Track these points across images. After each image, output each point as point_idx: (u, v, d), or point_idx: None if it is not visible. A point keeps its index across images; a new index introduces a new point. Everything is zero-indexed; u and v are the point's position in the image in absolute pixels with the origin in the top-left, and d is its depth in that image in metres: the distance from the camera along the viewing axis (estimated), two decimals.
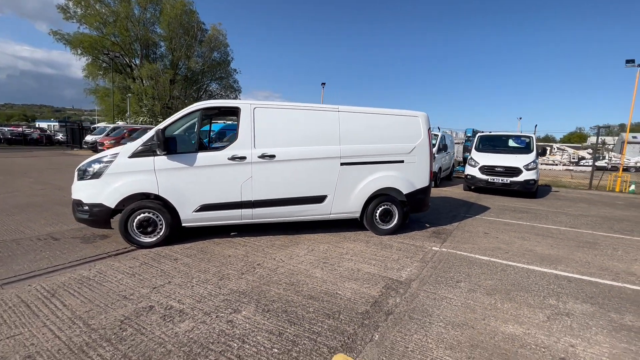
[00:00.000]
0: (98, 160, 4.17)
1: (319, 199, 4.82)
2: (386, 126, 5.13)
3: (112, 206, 4.05)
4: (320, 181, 4.78)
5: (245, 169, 4.43)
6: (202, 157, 4.32)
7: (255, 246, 4.42)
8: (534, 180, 9.39)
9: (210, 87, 35.22)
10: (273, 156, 4.50)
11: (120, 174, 4.10)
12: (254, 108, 4.53)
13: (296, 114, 4.73)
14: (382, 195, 5.12)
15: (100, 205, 4.05)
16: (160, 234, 4.24)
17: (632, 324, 2.76)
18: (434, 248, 4.65)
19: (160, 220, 4.23)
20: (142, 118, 29.28)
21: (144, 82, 29.94)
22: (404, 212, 5.27)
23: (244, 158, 4.40)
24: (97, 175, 4.10)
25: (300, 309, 2.82)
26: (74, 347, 2.21)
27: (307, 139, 4.72)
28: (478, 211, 7.40)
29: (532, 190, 9.56)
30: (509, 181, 9.48)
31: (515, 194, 9.89)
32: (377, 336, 2.46)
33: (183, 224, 4.35)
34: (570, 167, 31.74)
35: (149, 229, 4.20)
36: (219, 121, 24.33)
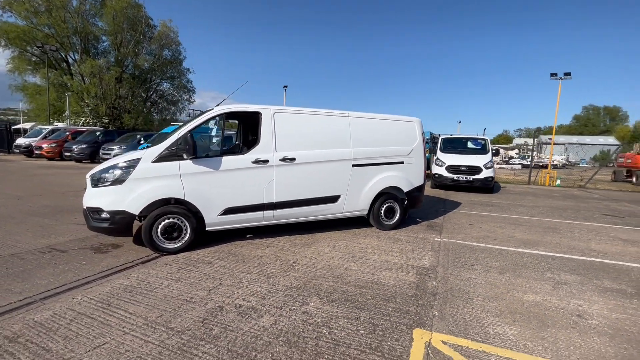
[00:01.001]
0: (117, 166, 4.00)
1: (333, 199, 5.13)
2: (388, 130, 5.63)
3: (137, 212, 3.93)
4: (335, 182, 5.10)
5: (268, 171, 4.58)
6: (227, 160, 4.37)
7: (280, 246, 4.58)
8: (491, 177, 10.71)
9: (162, 86, 33.21)
10: (293, 159, 4.71)
11: (144, 179, 3.99)
12: (274, 113, 4.70)
13: (311, 119, 4.99)
14: (386, 194, 5.58)
15: (123, 212, 3.90)
16: (185, 239, 4.20)
17: (611, 286, 3.54)
18: (436, 239, 5.23)
19: (185, 226, 4.19)
20: (83, 119, 26.53)
21: (84, 79, 27.15)
22: (404, 208, 5.80)
23: (266, 161, 4.54)
24: (119, 181, 3.93)
25: (359, 297, 3.12)
26: (174, 348, 2.26)
27: (321, 142, 5.00)
28: (454, 206, 8.28)
29: (490, 187, 10.88)
30: (471, 179, 10.67)
31: (476, 190, 11.15)
32: (436, 313, 2.86)
33: (207, 228, 4.35)
34: (503, 165, 35.73)
35: (174, 235, 4.14)
36: (174, 124, 23.16)
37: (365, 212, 5.50)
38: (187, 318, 2.65)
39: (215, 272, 3.60)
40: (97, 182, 4.03)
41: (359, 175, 5.27)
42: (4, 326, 2.47)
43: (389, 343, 2.39)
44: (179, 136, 4.15)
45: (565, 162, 45.00)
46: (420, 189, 5.98)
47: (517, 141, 76.40)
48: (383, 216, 5.61)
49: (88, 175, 4.16)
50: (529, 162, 37.27)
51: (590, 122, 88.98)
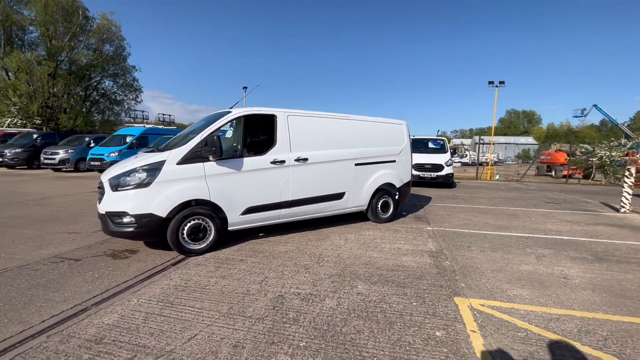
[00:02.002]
0: (140, 169, 3.93)
1: (340, 196, 5.52)
2: (382, 132, 6.18)
3: (164, 215, 3.91)
4: (341, 180, 5.49)
5: (285, 171, 4.81)
6: (248, 161, 4.51)
7: (297, 242, 4.84)
8: (451, 174, 11.98)
9: (103, 84, 30.28)
10: (306, 159, 5.00)
11: (170, 181, 3.98)
12: (287, 115, 4.94)
13: (320, 121, 5.32)
14: (382, 190, 6.12)
15: (150, 215, 3.86)
16: (210, 239, 4.26)
17: (576, 256, 4.47)
18: (427, 228, 5.91)
19: (209, 226, 4.25)
20: (9, 119, 23.18)
21: (9, 74, 23.77)
22: (396, 202, 6.40)
23: (283, 162, 4.78)
24: (144, 184, 3.88)
25: (395, 277, 3.56)
26: (264, 331, 2.47)
27: (329, 143, 5.36)
28: (427, 200, 9.19)
29: (450, 182, 12.15)
30: (435, 175, 11.82)
31: (439, 186, 12.35)
32: (463, 285, 3.42)
33: (229, 228, 4.45)
34: None
35: (200, 236, 4.19)
36: (135, 125, 21.54)
37: (365, 207, 5.97)
38: (257, 307, 2.85)
39: (253, 268, 3.77)
40: (117, 186, 3.92)
41: (361, 174, 5.73)
42: (77, 331, 2.44)
43: (441, 309, 2.87)
44: (202, 138, 4.20)
45: (496, 160, 50.98)
46: (408, 184, 6.64)
47: (455, 141, 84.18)
48: (380, 210, 6.14)
49: (106, 180, 4.00)
50: (467, 161, 41.68)
51: (512, 124, 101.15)
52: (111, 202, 3.90)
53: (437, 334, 2.49)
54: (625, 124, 50.04)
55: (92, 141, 16.29)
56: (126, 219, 3.85)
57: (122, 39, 30.30)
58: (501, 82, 20.98)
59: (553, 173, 22.71)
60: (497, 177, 19.78)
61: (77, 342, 2.31)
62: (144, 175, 3.91)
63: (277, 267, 3.80)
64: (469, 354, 2.24)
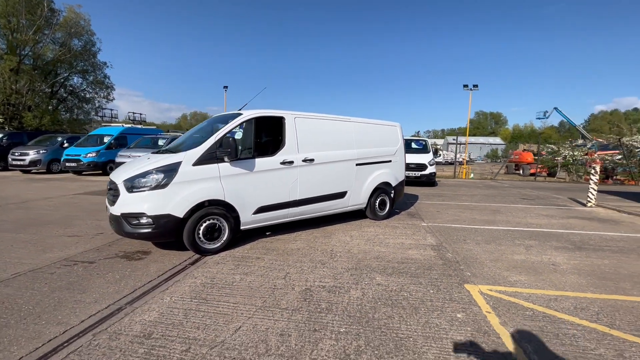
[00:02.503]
0: (157, 170, 3.95)
1: (342, 195, 5.76)
2: (380, 133, 6.49)
3: (181, 216, 3.96)
4: (343, 179, 5.73)
5: (293, 171, 4.98)
6: (259, 162, 4.64)
7: (305, 239, 5.03)
8: (434, 173, 12.58)
9: (72, 81, 28.60)
10: (312, 160, 5.19)
11: (187, 182, 4.04)
12: (295, 118, 5.11)
13: (324, 123, 5.53)
14: (380, 189, 6.43)
15: (168, 216, 3.90)
16: (224, 239, 4.36)
17: (559, 245, 4.98)
18: (422, 224, 6.28)
19: (223, 226, 4.34)
20: None
21: None
22: (392, 200, 6.74)
23: (291, 162, 4.94)
24: (162, 185, 3.91)
25: (407, 269, 3.84)
26: (303, 320, 2.66)
27: (332, 144, 5.58)
28: (415, 198, 9.63)
29: (433, 181, 12.76)
30: (419, 174, 12.36)
31: (422, 184, 12.92)
32: (468, 273, 3.76)
33: (242, 227, 4.56)
34: None
35: (215, 235, 4.27)
36: (112, 124, 20.65)
37: (364, 205, 6.25)
38: (289, 300, 3.02)
39: (272, 265, 3.92)
40: (133, 187, 3.92)
41: (361, 173, 6.00)
42: (122, 329, 2.51)
43: (456, 295, 3.17)
44: (216, 139, 4.29)
45: (468, 159, 53.48)
46: (402, 183, 7.00)
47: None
48: (377, 208, 6.44)
49: (120, 181, 3.99)
50: (440, 160, 43.36)
51: (480, 125, 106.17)
52: (127, 203, 3.90)
53: (459, 315, 2.78)
54: (582, 126, 54.06)
55: (65, 141, 15.52)
56: (144, 220, 3.87)
57: (91, 34, 28.84)
58: (475, 86, 22.16)
59: (521, 171, 24.25)
60: (472, 175, 20.88)
61: (127, 338, 2.38)
62: (160, 176, 3.94)
63: (294, 264, 3.97)
64: (490, 331, 2.54)
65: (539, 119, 59.50)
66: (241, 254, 4.30)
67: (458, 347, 2.33)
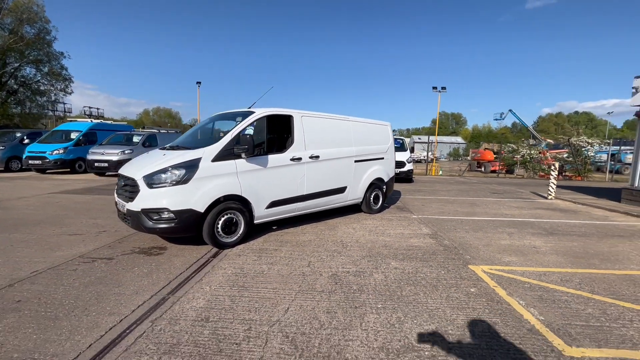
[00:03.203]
0: (178, 166, 4.02)
1: (342, 190, 6.09)
2: (374, 132, 6.89)
3: (202, 210, 4.07)
4: (344, 175, 6.06)
5: (301, 168, 5.22)
6: (272, 158, 4.83)
7: (313, 232, 5.30)
8: (412, 170, 13.33)
9: (23, 72, 26.19)
10: (318, 157, 5.46)
11: (207, 178, 4.14)
12: (302, 116, 5.35)
13: (327, 122, 5.82)
14: (374, 184, 6.85)
15: (189, 210, 3.99)
16: (240, 233, 4.51)
17: (535, 232, 5.68)
18: (413, 216, 6.79)
19: (239, 220, 4.49)
20: None
21: None
22: (384, 195, 7.19)
23: (300, 159, 5.18)
24: (184, 180, 3.99)
25: (414, 255, 4.26)
26: (342, 299, 2.95)
27: (334, 142, 5.88)
28: (398, 194, 10.21)
29: (410, 177, 13.50)
30: (398, 171, 13.01)
31: (400, 181, 13.61)
32: (468, 257, 4.26)
33: (255, 221, 4.73)
34: None
35: (232, 229, 4.41)
36: (79, 119, 19.29)
37: (360, 199, 6.63)
38: (322, 284, 3.29)
39: (292, 255, 4.16)
40: (153, 183, 3.96)
41: (359, 169, 6.37)
42: (177, 315, 2.65)
43: (464, 274, 3.63)
44: (233, 136, 4.42)
45: (432, 157, 56.37)
46: (392, 179, 7.47)
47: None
48: (372, 202, 6.86)
49: (140, 177, 4.01)
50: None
51: (442, 125, 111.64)
52: (148, 199, 3.94)
53: (472, 290, 3.23)
54: (532, 127, 58.85)
55: (25, 137, 14.37)
56: (166, 215, 3.93)
57: (46, 21, 26.67)
58: (443, 88, 23.53)
59: (483, 169, 26.15)
60: (441, 172, 22.22)
61: (187, 322, 2.53)
62: (182, 172, 4.02)
63: (312, 254, 4.24)
64: (501, 301, 3.01)
65: (496, 120, 63.74)
66: (258, 246, 4.48)
67: (480, 314, 2.75)
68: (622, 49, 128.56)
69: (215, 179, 4.22)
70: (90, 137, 14.52)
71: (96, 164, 12.52)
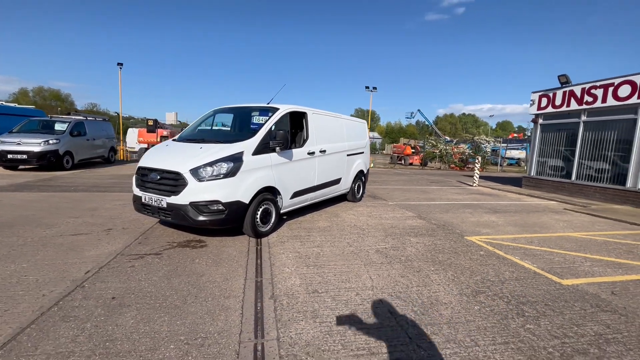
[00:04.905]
0: (226, 159, 4.12)
1: (339, 181, 6.75)
2: (355, 128, 7.68)
3: (247, 201, 4.27)
4: (340, 168, 6.72)
5: (314, 161, 5.70)
6: (295, 152, 5.19)
7: (323, 219, 5.85)
8: None
9: None
10: (325, 151, 6.00)
11: (250, 170, 4.33)
12: (312, 113, 5.80)
13: (328, 119, 6.36)
14: (357, 176, 7.68)
15: (237, 202, 4.16)
16: (272, 222, 4.81)
17: (486, 211, 7.30)
18: (390, 203, 7.87)
19: (272, 210, 4.79)
20: None
21: None
22: (364, 185, 8.09)
23: (313, 153, 5.65)
24: (231, 173, 4.11)
25: (420, 232, 5.22)
26: (402, 268, 3.68)
27: (333, 137, 6.48)
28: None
29: None
30: None
31: None
32: (459, 231, 5.42)
33: (281, 211, 5.07)
34: None
35: (267, 219, 4.69)
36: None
37: (348, 190, 7.40)
38: (377, 258, 3.95)
39: (327, 239, 4.68)
40: (202, 176, 4.00)
41: (349, 163, 7.11)
42: (286, 292, 3.00)
43: (468, 243, 4.73)
44: (266, 131, 4.66)
45: None
46: (368, 171, 8.43)
47: None
48: (356, 191, 7.69)
49: (186, 170, 3.97)
50: None
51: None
52: (199, 192, 3.96)
53: (481, 252, 4.31)
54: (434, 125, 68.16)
55: None
56: (217, 207, 4.02)
57: None
58: (374, 88, 25.81)
59: (403, 162, 29.70)
60: (372, 165, 24.48)
61: (304, 295, 2.93)
62: (230, 165, 4.14)
63: (342, 237, 4.83)
64: (505, 258, 4.15)
65: (407, 118, 72.09)
66: (289, 234, 4.86)
67: (498, 267, 3.81)
68: (498, 63, 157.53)
69: (256, 172, 4.43)
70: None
71: (10, 156, 10.40)
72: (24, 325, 2.32)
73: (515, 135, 60.36)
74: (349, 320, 2.55)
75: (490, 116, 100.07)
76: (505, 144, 29.58)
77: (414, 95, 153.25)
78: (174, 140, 5.19)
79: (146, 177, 4.32)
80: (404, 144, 36.75)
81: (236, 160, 4.22)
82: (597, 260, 4.25)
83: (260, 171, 4.50)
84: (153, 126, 19.23)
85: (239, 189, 4.19)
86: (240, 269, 3.48)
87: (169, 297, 2.82)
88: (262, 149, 4.58)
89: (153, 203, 4.19)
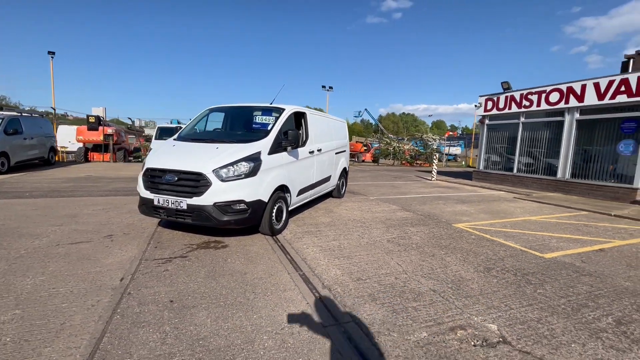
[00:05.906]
0: (246, 159, 4.15)
1: (329, 178, 7.05)
2: (338, 128, 8.04)
3: (266, 200, 4.36)
4: (331, 165, 7.02)
5: (314, 159, 5.92)
6: (300, 151, 5.35)
7: (321, 216, 6.10)
8: None
9: None
10: (320, 149, 6.25)
11: (268, 169, 4.41)
12: (310, 113, 6.00)
13: (320, 119, 6.61)
14: (341, 173, 8.05)
15: (259, 201, 4.23)
16: (284, 219, 4.94)
17: (454, 202, 8.20)
18: (372, 198, 8.40)
19: (283, 208, 4.91)
20: None
21: None
22: (346, 182, 8.50)
23: (312, 152, 5.87)
24: (252, 173, 4.16)
25: (414, 222, 5.78)
26: (419, 253, 4.13)
27: (324, 137, 6.74)
28: None
29: None
30: None
31: None
32: (444, 220, 6.09)
33: (289, 208, 5.21)
34: None
35: (280, 216, 4.81)
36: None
37: (334, 186, 7.73)
38: (391, 247, 4.35)
39: (337, 232, 4.97)
40: (225, 177, 3.99)
41: (336, 160, 7.44)
42: (337, 282, 3.24)
43: (458, 230, 5.38)
44: (278, 131, 4.76)
45: None
46: (348, 168, 8.86)
47: None
48: (340, 188, 8.07)
49: (209, 171, 3.92)
50: None
51: None
52: (223, 192, 3.95)
53: (472, 237, 4.98)
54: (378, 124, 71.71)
55: None
56: (241, 207, 4.05)
57: None
58: (330, 87, 26.47)
59: (356, 159, 31.03)
60: None
61: (352, 284, 3.19)
62: (251, 164, 4.18)
63: (351, 230, 5.15)
64: (494, 240, 4.85)
65: (356, 117, 74.54)
66: (300, 230, 5.03)
67: (492, 247, 4.48)
68: (431, 66, 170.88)
69: (272, 171, 4.53)
70: None
71: None
72: (97, 335, 2.23)
73: (450, 133, 66.48)
74: (404, 300, 2.88)
75: (429, 116, 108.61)
76: (449, 142, 32.61)
77: (358, 95, 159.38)
78: (175, 139, 4.99)
79: (159, 179, 4.15)
80: (356, 141, 38.32)
81: (255, 160, 4.28)
82: (559, 237, 5.19)
83: (275, 170, 4.60)
84: (95, 123, 17.42)
85: (259, 188, 4.26)
86: (277, 265, 3.61)
87: (228, 295, 2.87)
88: (276, 148, 4.68)
89: (169, 205, 4.05)
